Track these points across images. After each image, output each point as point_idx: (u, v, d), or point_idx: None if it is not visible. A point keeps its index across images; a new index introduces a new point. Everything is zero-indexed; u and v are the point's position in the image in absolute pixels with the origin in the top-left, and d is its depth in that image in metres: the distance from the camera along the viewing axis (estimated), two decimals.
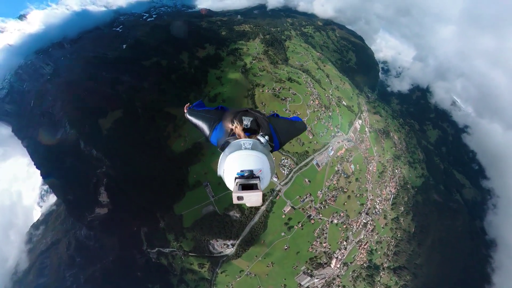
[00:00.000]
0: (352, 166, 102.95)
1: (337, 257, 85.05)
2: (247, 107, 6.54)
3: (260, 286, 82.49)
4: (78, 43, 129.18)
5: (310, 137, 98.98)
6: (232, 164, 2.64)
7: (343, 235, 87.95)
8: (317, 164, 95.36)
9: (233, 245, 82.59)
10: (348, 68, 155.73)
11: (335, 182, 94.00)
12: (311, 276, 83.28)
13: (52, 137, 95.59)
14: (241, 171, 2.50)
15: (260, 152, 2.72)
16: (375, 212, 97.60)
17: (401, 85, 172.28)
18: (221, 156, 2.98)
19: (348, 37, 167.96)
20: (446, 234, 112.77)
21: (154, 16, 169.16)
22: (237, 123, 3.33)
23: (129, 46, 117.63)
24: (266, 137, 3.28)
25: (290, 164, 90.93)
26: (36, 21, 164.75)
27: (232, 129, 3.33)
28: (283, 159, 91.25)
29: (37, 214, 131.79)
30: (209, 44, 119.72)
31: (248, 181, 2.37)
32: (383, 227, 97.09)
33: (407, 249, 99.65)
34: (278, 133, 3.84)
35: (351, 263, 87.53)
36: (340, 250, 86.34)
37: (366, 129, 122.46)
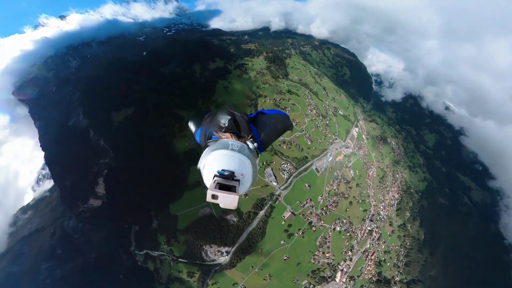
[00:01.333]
0: (352, 171, 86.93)
1: (342, 270, 65.81)
2: (226, 106, 3.43)
3: None
4: (104, 45, 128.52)
5: (309, 143, 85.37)
6: (215, 160, 2.14)
7: (347, 244, 69.37)
8: (316, 169, 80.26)
9: (227, 252, 65.29)
10: (343, 81, 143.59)
11: (335, 187, 77.77)
12: None
13: (64, 122, 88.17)
14: (222, 170, 2.03)
15: (246, 157, 2.22)
16: (380, 218, 78.65)
17: (394, 95, 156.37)
18: (205, 150, 2.45)
19: (342, 54, 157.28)
20: (459, 240, 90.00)
21: (173, 31, 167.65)
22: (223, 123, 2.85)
23: (149, 53, 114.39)
24: (255, 144, 2.74)
25: (290, 168, 77.00)
26: (74, 22, 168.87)
27: (219, 128, 2.84)
28: (283, 164, 77.19)
29: (28, 198, 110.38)
30: (219, 59, 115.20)
31: (227, 181, 1.93)
32: (389, 235, 77.41)
33: (419, 259, 78.31)
34: (260, 132, 3.16)
35: (358, 276, 67.31)
36: (345, 261, 67.25)
37: (363, 136, 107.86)
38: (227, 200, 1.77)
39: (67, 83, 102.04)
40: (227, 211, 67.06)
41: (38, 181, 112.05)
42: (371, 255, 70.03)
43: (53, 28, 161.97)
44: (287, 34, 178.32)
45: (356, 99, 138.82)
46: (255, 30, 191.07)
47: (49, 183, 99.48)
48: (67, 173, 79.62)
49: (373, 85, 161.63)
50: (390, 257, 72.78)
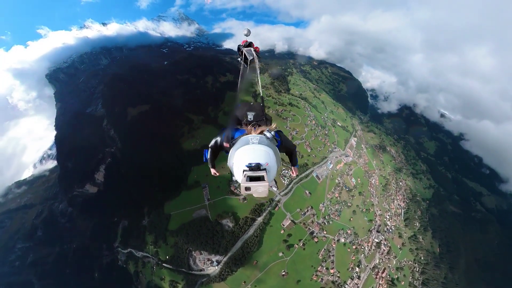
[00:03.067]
0: (353, 179, 69.94)
1: None
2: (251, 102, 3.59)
3: None
4: (133, 51, 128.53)
5: (309, 150, 71.17)
6: (240, 157, 1.99)
7: (353, 258, 51.07)
8: (317, 176, 64.89)
9: (218, 262, 48.46)
10: (340, 96, 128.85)
11: (337, 195, 61.26)
12: None
13: (83, 109, 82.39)
14: (249, 163, 1.88)
15: (267, 146, 2.03)
16: (387, 229, 59.39)
17: (390, 106, 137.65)
18: (231, 150, 2.23)
19: (338, 72, 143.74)
20: (481, 251, 65.83)
21: (191, 47, 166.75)
22: (245, 120, 2.74)
23: (170, 63, 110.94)
24: (272, 133, 2.46)
25: (290, 174, 62.36)
26: (112, 29, 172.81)
27: (241, 124, 2.73)
28: (283, 169, 63.04)
29: (27, 174, 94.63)
30: (229, 73, 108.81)
31: (255, 173, 1.77)
32: (400, 248, 57.39)
33: (437, 276, 56.33)
34: (280, 136, 2.77)
35: None
36: (352, 279, 48.31)
37: (362, 145, 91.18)
38: (259, 189, 1.63)
39: (94, 76, 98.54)
40: (222, 215, 52.86)
41: (41, 159, 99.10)
42: (382, 273, 50.55)
43: (94, 31, 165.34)
44: (289, 55, 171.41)
45: (353, 111, 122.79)
46: (262, 52, 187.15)
47: (51, 163, 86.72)
48: (72, 154, 68.59)
49: (369, 98, 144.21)
50: (404, 275, 52.26)
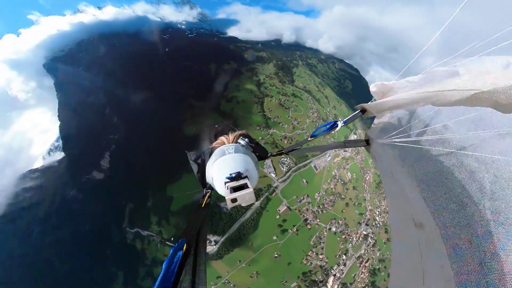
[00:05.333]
0: (349, 174, 72.77)
1: (335, 275, 50.11)
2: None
3: None
4: (133, 38, 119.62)
5: (309, 140, 71.41)
6: (219, 170, 1.87)
7: (342, 247, 54.10)
8: (315, 166, 66.57)
9: (216, 242, 51.65)
10: (345, 93, 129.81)
11: (332, 186, 63.64)
12: None
13: (84, 98, 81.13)
14: (229, 175, 1.76)
15: (243, 154, 1.98)
16: (376, 224, 63.37)
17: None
18: (207, 165, 2.12)
19: (345, 68, 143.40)
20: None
21: (194, 34, 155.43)
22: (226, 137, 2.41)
23: (171, 50, 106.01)
24: (246, 139, 2.31)
25: (289, 162, 63.70)
26: (109, 13, 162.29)
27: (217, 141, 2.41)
28: (283, 157, 63.77)
29: (38, 164, 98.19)
30: (233, 61, 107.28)
31: (237, 182, 1.67)
32: (385, 243, 61.79)
33: None
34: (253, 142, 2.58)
35: (351, 284, 51.28)
36: (338, 265, 51.73)
37: None
38: (246, 197, 1.56)
39: (94, 65, 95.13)
40: (220, 198, 53.37)
41: (49, 151, 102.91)
42: (365, 262, 54.46)
43: (90, 15, 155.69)
44: (297, 47, 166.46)
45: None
46: (268, 41, 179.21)
47: (59, 155, 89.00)
48: (77, 143, 71.33)
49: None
50: (385, 266, 56.93)
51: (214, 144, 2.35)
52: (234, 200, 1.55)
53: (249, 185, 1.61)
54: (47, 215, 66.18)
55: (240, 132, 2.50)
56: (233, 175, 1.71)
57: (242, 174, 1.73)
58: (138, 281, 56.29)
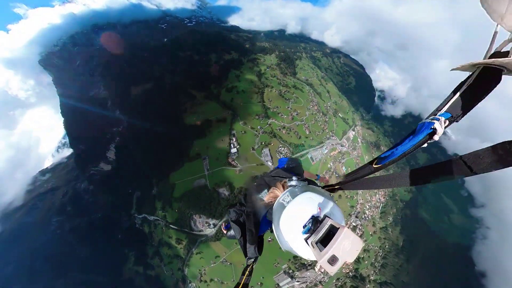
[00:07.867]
0: (344, 168, 75.51)
1: None
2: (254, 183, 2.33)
3: (234, 280, 53.95)
4: (128, 28, 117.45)
5: (307, 133, 74.16)
6: (289, 229, 1.43)
7: None
8: (311, 158, 69.15)
9: (214, 225, 56.74)
10: (348, 89, 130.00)
11: (327, 178, 66.28)
12: (292, 277, 53.49)
13: (85, 93, 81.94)
14: (303, 227, 1.34)
15: (303, 193, 1.53)
16: (365, 217, 66.83)
17: (394, 111, 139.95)
18: (275, 232, 1.66)
19: (350, 64, 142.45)
20: (437, 254, 77.27)
21: (193, 22, 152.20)
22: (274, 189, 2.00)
23: (170, 40, 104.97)
24: (294, 178, 1.92)
25: (286, 152, 66.48)
26: (101, 2, 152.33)
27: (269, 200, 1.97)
28: (280, 147, 66.66)
29: (48, 163, 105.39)
30: (234, 51, 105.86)
31: (319, 229, 1.23)
32: (371, 235, 65.62)
33: (395, 263, 66.16)
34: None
35: None
36: None
37: (359, 139, 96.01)
38: (345, 245, 1.04)
39: (91, 58, 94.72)
40: (219, 184, 57.61)
41: (58, 149, 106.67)
42: None
43: (80, 5, 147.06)
44: (301, 38, 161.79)
45: (357, 107, 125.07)
46: (271, 31, 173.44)
47: (67, 151, 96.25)
48: (83, 138, 75.26)
49: (375, 98, 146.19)
50: (369, 256, 60.98)
51: (266, 201, 1.93)
52: (333, 259, 1.06)
53: (336, 223, 1.21)
54: (63, 206, 73.16)
55: (283, 173, 2.06)
56: (309, 225, 1.32)
57: (318, 216, 1.34)
58: (148, 260, 64.46)
